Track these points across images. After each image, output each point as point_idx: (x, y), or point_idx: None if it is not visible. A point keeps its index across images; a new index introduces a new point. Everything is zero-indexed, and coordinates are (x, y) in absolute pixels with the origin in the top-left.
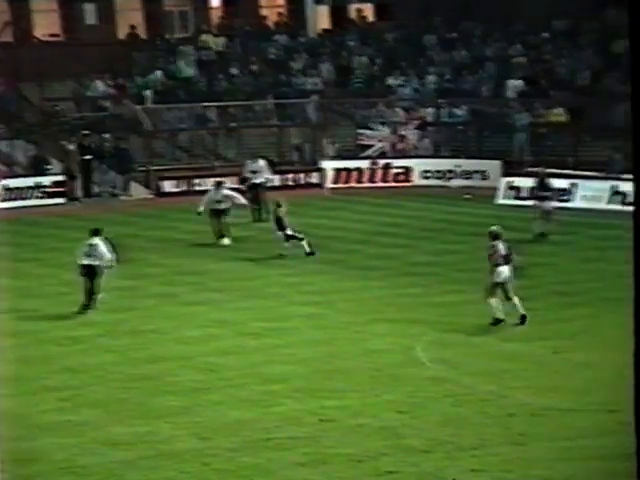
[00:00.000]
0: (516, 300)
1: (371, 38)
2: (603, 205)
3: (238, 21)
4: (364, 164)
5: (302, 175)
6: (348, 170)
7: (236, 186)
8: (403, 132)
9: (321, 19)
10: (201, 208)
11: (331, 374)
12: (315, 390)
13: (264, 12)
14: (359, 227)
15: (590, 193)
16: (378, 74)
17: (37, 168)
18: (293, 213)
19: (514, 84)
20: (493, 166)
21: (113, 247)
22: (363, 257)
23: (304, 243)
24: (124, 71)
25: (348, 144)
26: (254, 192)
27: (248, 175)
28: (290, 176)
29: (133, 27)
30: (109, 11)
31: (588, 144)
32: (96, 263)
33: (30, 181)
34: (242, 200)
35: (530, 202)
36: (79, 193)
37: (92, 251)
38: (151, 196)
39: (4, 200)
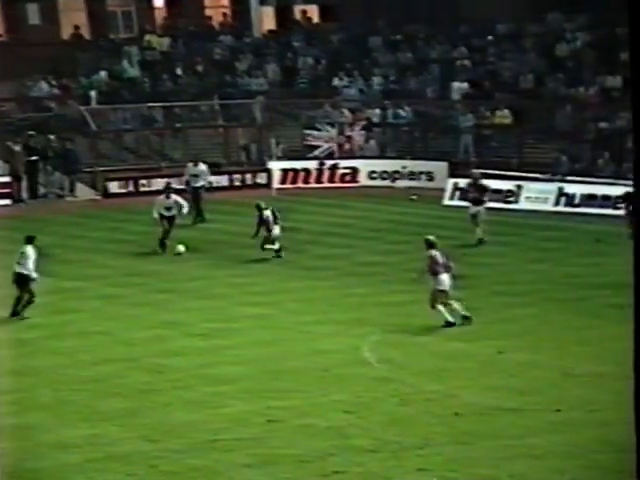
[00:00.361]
0: (456, 305)
1: (316, 39)
2: (549, 207)
3: (182, 21)
4: (311, 165)
5: (249, 175)
6: (295, 170)
7: (182, 187)
8: (349, 133)
9: (266, 20)
10: (155, 214)
11: (278, 374)
12: (262, 391)
13: (208, 12)
14: (306, 227)
15: (535, 195)
16: (323, 75)
17: None
18: (240, 213)
19: (459, 86)
20: (439, 167)
21: (39, 257)
22: (310, 257)
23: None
24: (68, 71)
25: (295, 145)
26: (194, 195)
27: (189, 179)
28: (237, 176)
29: (77, 27)
30: (52, 11)
31: (532, 146)
32: (24, 272)
33: None
34: (186, 209)
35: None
36: (25, 194)
37: (22, 259)
38: (97, 197)
39: None
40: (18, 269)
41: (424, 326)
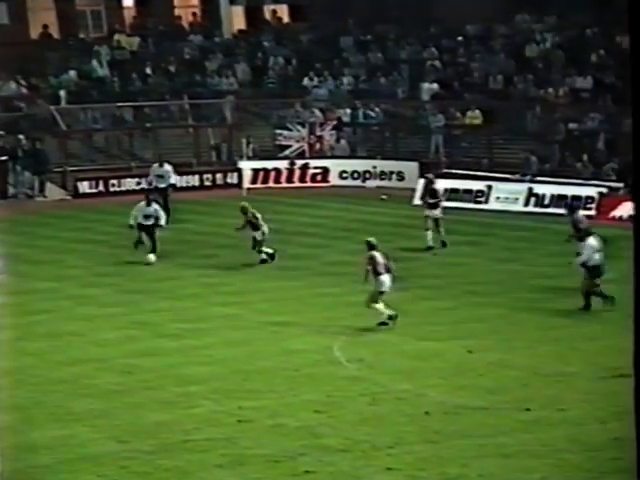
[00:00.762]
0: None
1: (286, 39)
2: (519, 207)
3: (152, 21)
4: (282, 164)
5: (220, 175)
6: (266, 170)
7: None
8: (320, 133)
9: (236, 19)
10: (132, 221)
11: (249, 374)
12: (233, 391)
13: (178, 12)
14: (277, 227)
15: (505, 195)
16: (293, 75)
17: None
18: (211, 213)
19: (429, 87)
20: (410, 167)
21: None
22: (281, 257)
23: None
24: (37, 71)
25: (266, 144)
26: (160, 196)
27: (153, 179)
28: (208, 176)
29: (46, 27)
30: (21, 10)
31: (502, 146)
32: None
33: None
34: (163, 222)
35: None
36: None
37: None
38: (67, 197)
39: None
40: None
41: (395, 325)
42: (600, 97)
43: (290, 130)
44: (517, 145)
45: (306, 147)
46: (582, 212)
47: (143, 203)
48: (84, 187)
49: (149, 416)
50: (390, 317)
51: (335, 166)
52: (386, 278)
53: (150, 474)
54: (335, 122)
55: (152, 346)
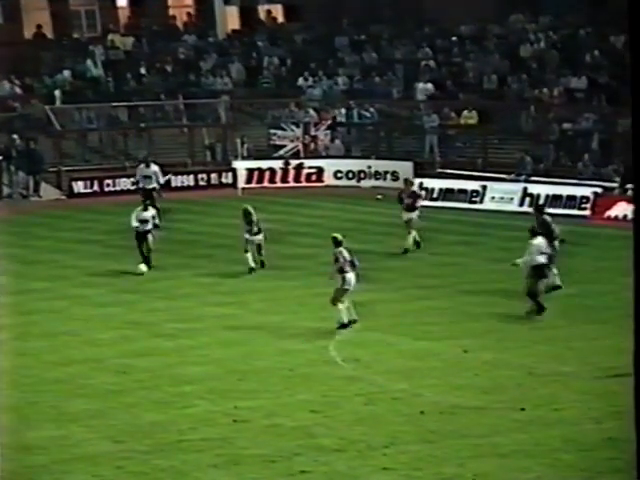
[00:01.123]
0: (350, 304)
1: (281, 39)
2: (514, 207)
3: (146, 21)
4: (277, 164)
5: (214, 175)
6: (261, 170)
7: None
8: (315, 132)
9: (230, 19)
10: (134, 223)
11: (245, 374)
12: (229, 391)
13: (172, 12)
14: (272, 227)
15: (500, 195)
16: (288, 75)
17: None
18: (206, 213)
19: (423, 86)
20: (404, 167)
21: None
22: (276, 257)
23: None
24: (31, 71)
25: (260, 144)
26: (147, 197)
27: (140, 180)
28: (202, 176)
29: (39, 26)
30: (15, 10)
31: (496, 146)
32: None
33: None
34: (157, 222)
35: (441, 203)
36: None
37: None
38: (62, 197)
39: None
40: None
41: (390, 325)
42: (594, 97)
43: (284, 130)
44: (512, 145)
45: (301, 147)
46: (577, 212)
47: (140, 207)
48: (79, 187)
49: (144, 416)
50: (342, 325)
51: (330, 166)
52: (352, 276)
53: (146, 474)
54: (330, 122)
55: (147, 346)
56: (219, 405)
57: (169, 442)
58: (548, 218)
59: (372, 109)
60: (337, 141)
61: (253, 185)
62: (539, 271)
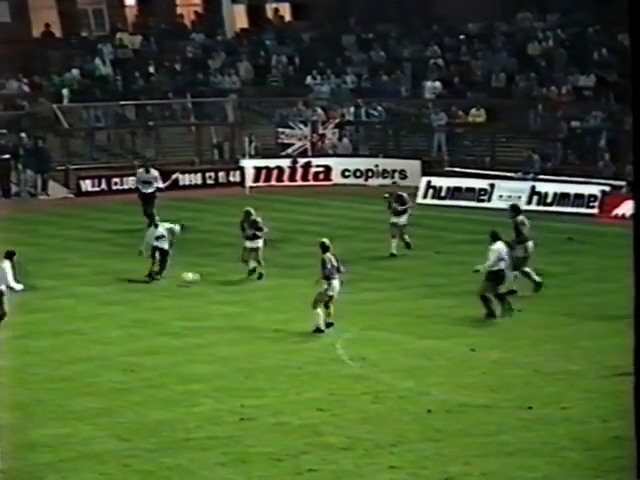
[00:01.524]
0: (331, 309)
1: (288, 37)
2: (522, 205)
3: (154, 19)
4: (284, 163)
5: (222, 174)
6: (268, 169)
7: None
8: (322, 131)
9: (238, 18)
10: (143, 248)
11: (251, 373)
12: (236, 389)
13: (180, 11)
14: (280, 226)
15: (508, 193)
16: (296, 73)
17: None
18: (213, 212)
19: (431, 85)
20: (412, 165)
21: (15, 272)
22: (284, 255)
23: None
24: (40, 69)
25: (268, 143)
26: (146, 201)
27: (140, 186)
28: (210, 175)
29: (47, 25)
30: (23, 9)
31: (504, 145)
32: (2, 287)
33: None
34: (178, 228)
35: (449, 202)
36: None
37: None
38: (70, 195)
39: None
40: None
41: (397, 324)
42: (602, 95)
43: (292, 128)
44: (520, 143)
45: (308, 145)
46: (585, 210)
47: (152, 228)
48: (87, 185)
49: (151, 414)
50: (318, 329)
51: (337, 164)
52: (336, 283)
53: (152, 472)
54: (337, 120)
55: (154, 344)
56: (226, 403)
57: (176, 440)
58: (522, 219)
59: (380, 107)
60: (345, 140)
61: (261, 184)
62: (496, 277)
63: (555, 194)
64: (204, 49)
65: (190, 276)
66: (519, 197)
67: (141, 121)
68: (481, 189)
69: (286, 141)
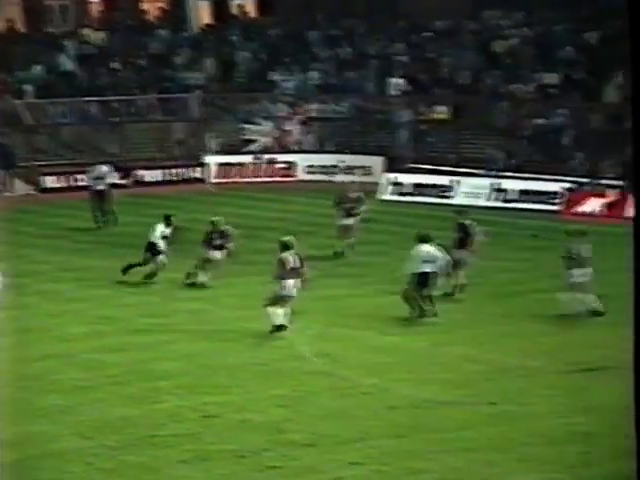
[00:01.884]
0: (288, 310)
1: (254, 33)
2: (485, 202)
3: (118, 15)
4: (248, 159)
5: (185, 170)
6: (232, 165)
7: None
8: (287, 127)
9: (203, 14)
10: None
11: (215, 370)
12: (199, 386)
13: (145, 6)
14: (243, 222)
15: (471, 190)
16: (261, 69)
17: None
18: (177, 208)
19: (397, 82)
20: (376, 162)
21: None
22: (247, 252)
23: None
24: (3, 65)
25: (232, 139)
26: (97, 199)
27: (91, 182)
28: (173, 171)
29: (10, 21)
30: None
31: (469, 141)
32: None
33: None
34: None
35: (413, 198)
36: None
37: None
38: (33, 192)
39: None
40: None
41: (360, 320)
42: (568, 93)
43: (256, 124)
44: (485, 140)
45: (273, 141)
46: (548, 207)
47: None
48: (50, 182)
49: (115, 411)
50: (278, 327)
51: (302, 160)
52: (291, 283)
53: (115, 470)
54: (302, 116)
55: (119, 341)
56: (188, 400)
57: (139, 438)
58: (468, 222)
59: (346, 104)
60: (310, 136)
61: (224, 180)
62: (420, 279)
63: (518, 191)
64: (169, 45)
65: (203, 276)
66: (482, 194)
67: (105, 117)
68: (444, 185)
69: (250, 137)
